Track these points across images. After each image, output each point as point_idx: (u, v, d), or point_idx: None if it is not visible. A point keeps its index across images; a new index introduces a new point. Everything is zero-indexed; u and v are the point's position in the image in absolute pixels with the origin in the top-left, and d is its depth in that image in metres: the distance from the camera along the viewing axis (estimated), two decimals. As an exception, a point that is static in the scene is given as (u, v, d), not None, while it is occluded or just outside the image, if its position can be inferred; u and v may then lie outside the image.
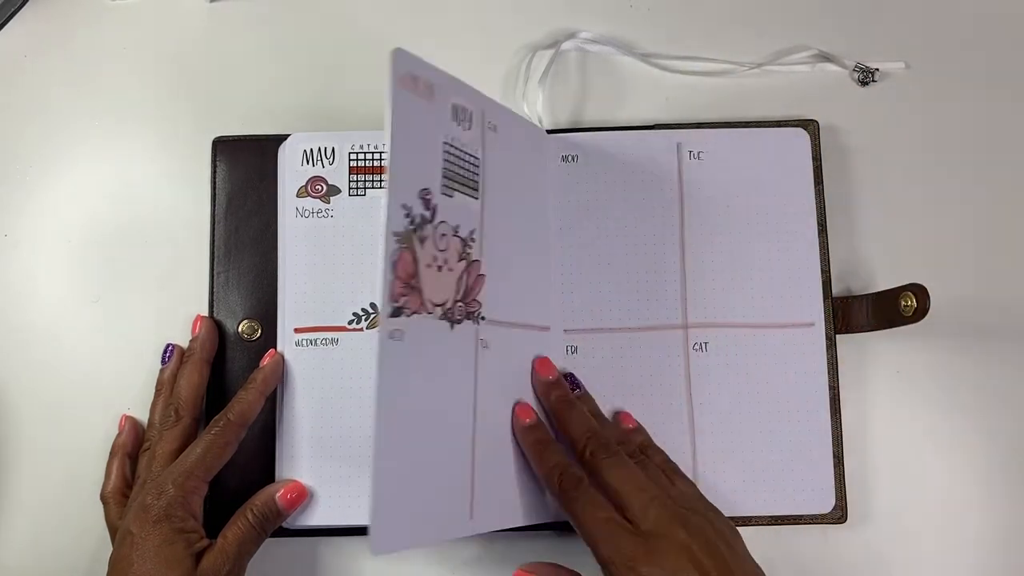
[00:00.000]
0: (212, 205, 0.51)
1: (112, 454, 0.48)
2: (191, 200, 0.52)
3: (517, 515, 0.45)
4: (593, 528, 0.40)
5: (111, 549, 0.44)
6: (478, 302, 0.44)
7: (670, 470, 0.45)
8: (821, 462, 0.48)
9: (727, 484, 0.48)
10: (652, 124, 0.51)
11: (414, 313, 0.40)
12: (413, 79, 0.39)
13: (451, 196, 0.42)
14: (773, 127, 0.51)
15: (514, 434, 0.45)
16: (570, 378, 0.48)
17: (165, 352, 0.50)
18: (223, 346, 0.49)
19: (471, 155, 0.43)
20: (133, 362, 0.50)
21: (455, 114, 0.42)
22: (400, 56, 0.38)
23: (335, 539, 0.49)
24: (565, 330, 0.49)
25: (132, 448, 0.49)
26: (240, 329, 0.49)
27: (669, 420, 0.48)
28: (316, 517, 0.47)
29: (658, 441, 0.48)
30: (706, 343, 0.49)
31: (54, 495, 0.50)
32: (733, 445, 0.48)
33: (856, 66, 0.53)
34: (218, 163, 0.51)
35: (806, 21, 0.54)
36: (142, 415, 0.50)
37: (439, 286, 0.41)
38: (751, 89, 0.53)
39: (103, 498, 0.47)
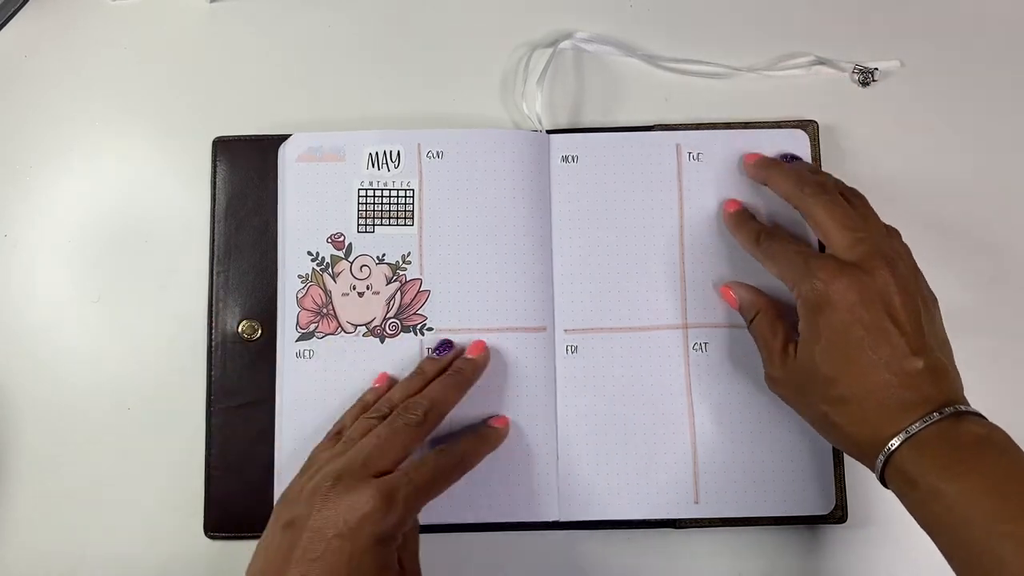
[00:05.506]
0: (212, 205, 0.51)
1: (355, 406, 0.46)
2: (191, 200, 0.52)
3: (478, 510, 0.47)
4: (786, 258, 0.38)
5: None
6: (421, 315, 0.48)
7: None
8: (821, 462, 0.48)
9: (727, 484, 0.48)
10: (652, 124, 0.52)
11: (328, 335, 0.48)
12: (313, 151, 0.49)
13: (371, 231, 0.49)
14: (772, 128, 0.51)
15: None
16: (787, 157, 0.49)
17: (441, 347, 0.47)
18: (223, 346, 0.49)
19: (401, 189, 0.49)
20: (133, 362, 0.50)
21: (372, 161, 0.49)
22: (295, 139, 0.50)
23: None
24: (565, 330, 0.49)
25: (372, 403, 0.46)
26: (240, 329, 0.49)
27: (669, 420, 0.48)
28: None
29: (658, 440, 0.48)
30: (706, 343, 0.49)
31: (54, 495, 0.49)
32: (733, 445, 0.48)
33: (855, 67, 0.53)
34: (218, 163, 0.51)
35: (806, 21, 0.54)
36: (142, 414, 0.50)
37: (361, 310, 0.48)
38: (751, 90, 0.53)
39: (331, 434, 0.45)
